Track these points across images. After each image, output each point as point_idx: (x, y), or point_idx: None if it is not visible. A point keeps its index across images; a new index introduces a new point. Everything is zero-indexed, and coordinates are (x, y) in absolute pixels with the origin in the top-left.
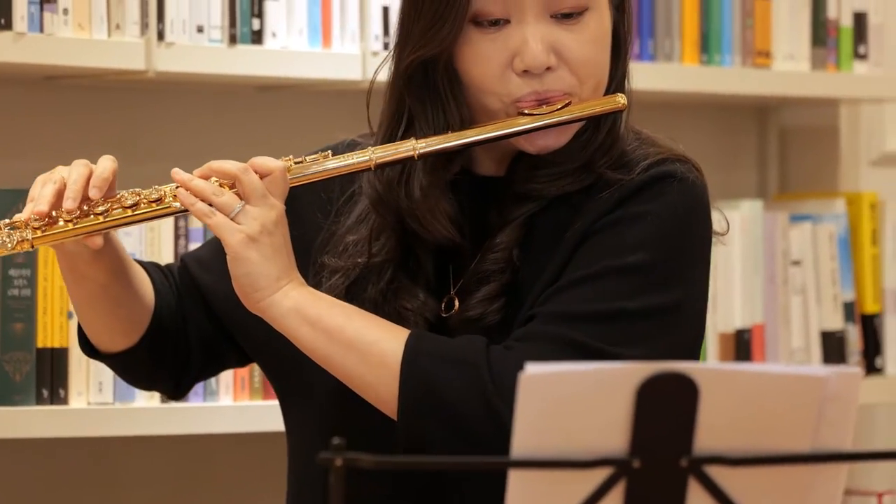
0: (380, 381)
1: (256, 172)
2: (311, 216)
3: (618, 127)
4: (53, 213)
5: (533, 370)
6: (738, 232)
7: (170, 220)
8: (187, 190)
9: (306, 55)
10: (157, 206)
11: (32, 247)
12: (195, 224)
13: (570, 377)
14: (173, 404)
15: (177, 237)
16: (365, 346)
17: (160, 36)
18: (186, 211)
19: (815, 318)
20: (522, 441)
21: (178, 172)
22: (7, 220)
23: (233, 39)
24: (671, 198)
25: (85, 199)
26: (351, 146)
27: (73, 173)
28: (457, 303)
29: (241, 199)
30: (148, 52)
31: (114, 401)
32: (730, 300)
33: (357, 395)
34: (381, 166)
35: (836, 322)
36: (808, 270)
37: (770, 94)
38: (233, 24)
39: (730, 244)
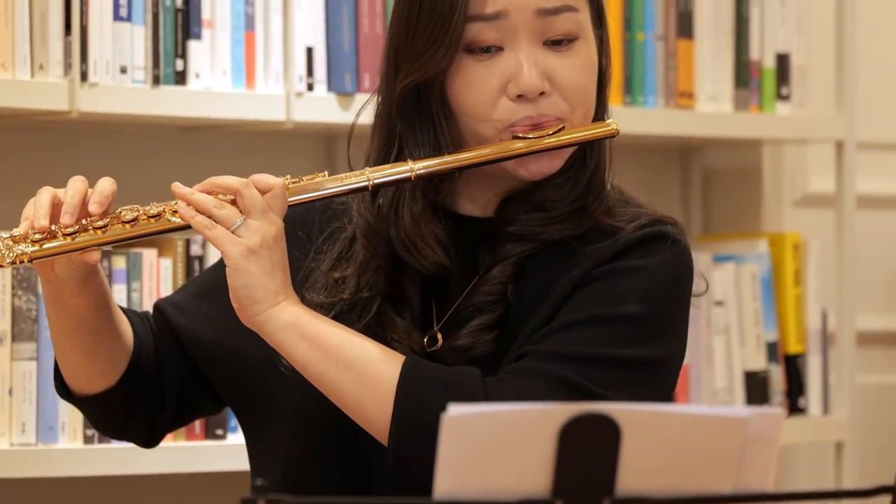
0: (373, 402)
1: (257, 188)
2: (289, 254)
3: (603, 167)
4: (53, 228)
5: (455, 411)
6: None
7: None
8: (188, 204)
9: (230, 96)
10: (156, 221)
11: (30, 261)
12: (118, 265)
13: (492, 418)
14: (97, 445)
15: None
16: (361, 366)
17: (83, 76)
18: (186, 227)
19: (739, 359)
20: (445, 482)
21: (178, 186)
22: (7, 234)
23: (156, 80)
24: (665, 257)
25: (83, 215)
26: (329, 201)
27: (70, 189)
28: (440, 338)
29: (241, 213)
30: (71, 92)
31: (36, 442)
32: None
33: (327, 442)
34: (379, 187)
35: (759, 362)
36: (732, 311)
37: (693, 135)
38: (156, 64)
39: None
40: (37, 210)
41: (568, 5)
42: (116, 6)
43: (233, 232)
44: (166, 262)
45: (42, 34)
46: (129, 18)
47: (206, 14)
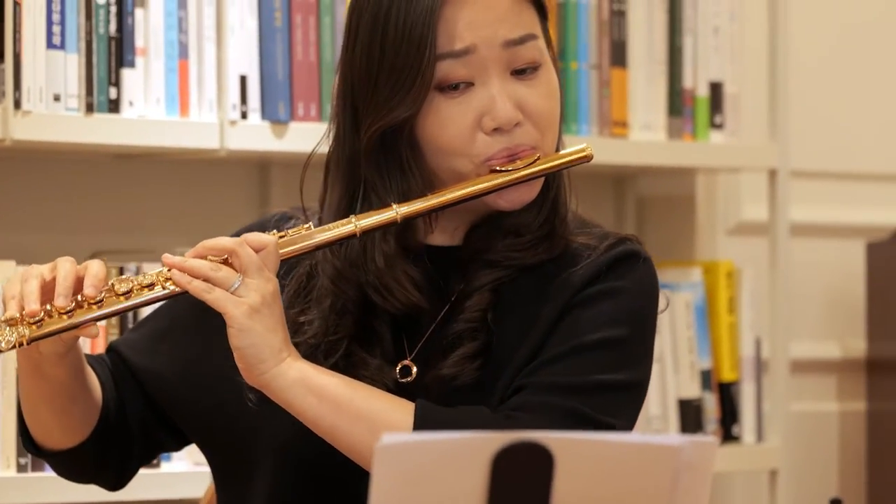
0: None
1: (250, 246)
2: None
3: (564, 188)
4: (47, 307)
5: (388, 440)
6: None
7: None
8: (182, 271)
9: (164, 124)
10: (150, 290)
11: (29, 343)
12: None
13: (425, 447)
14: (31, 474)
15: None
16: (373, 416)
17: (17, 104)
18: (181, 293)
19: (673, 386)
20: None
21: (168, 257)
22: (2, 318)
23: (90, 108)
24: (640, 275)
25: (76, 293)
26: (283, 219)
27: (61, 271)
28: (414, 369)
29: (237, 273)
30: (4, 120)
31: None
32: None
33: (302, 470)
34: (366, 232)
35: (693, 390)
36: (665, 338)
37: (627, 163)
38: (90, 92)
39: None
40: (27, 295)
41: (531, 33)
42: (50, 34)
43: (232, 293)
44: None
45: None
46: (62, 46)
47: (139, 42)
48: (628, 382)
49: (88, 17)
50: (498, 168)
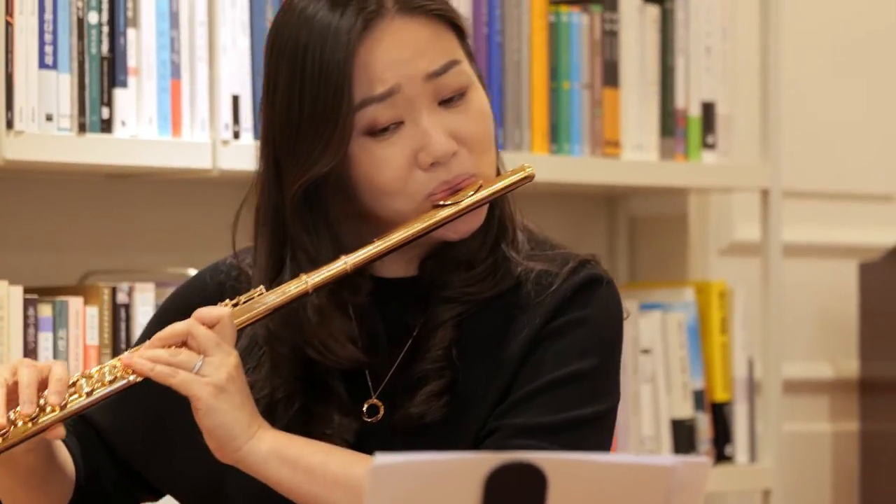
0: None
1: (203, 323)
2: None
3: (508, 206)
4: (12, 415)
5: (381, 460)
6: None
7: (20, 311)
8: (144, 360)
9: (156, 144)
10: (113, 383)
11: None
12: (44, 313)
13: (418, 468)
14: None
15: (26, 325)
16: (351, 482)
17: (9, 124)
18: (145, 381)
19: (665, 407)
20: None
21: (126, 357)
22: None
23: (82, 128)
24: (604, 301)
25: (39, 397)
26: (220, 273)
27: (23, 378)
28: (381, 408)
29: (198, 353)
30: None
31: None
32: None
33: None
34: (319, 288)
35: (685, 410)
36: (658, 359)
37: (619, 183)
38: (82, 112)
39: None
40: None
41: (452, 60)
42: (42, 54)
43: (195, 373)
44: (92, 311)
45: None
46: (54, 66)
47: (131, 62)
48: (601, 413)
49: (80, 37)
50: (441, 203)
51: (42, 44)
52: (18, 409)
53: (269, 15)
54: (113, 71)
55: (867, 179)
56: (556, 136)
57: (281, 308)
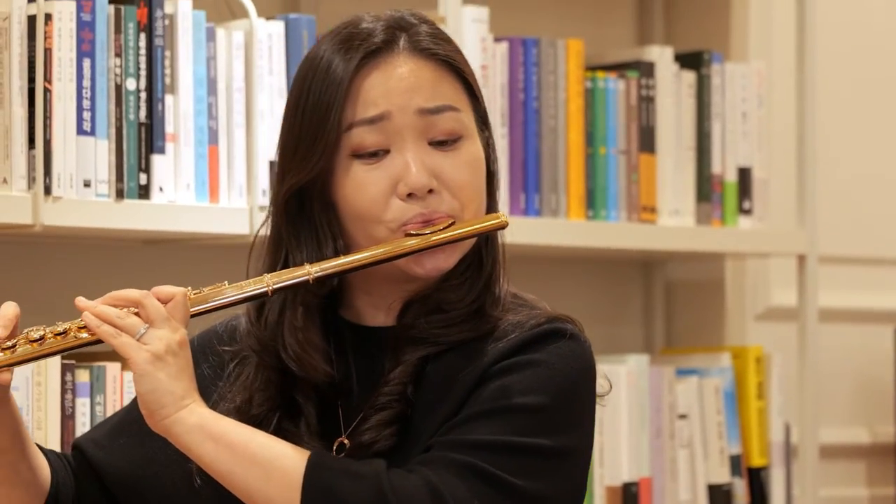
0: (281, 496)
1: (158, 299)
2: (205, 380)
3: (499, 268)
4: None
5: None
6: (625, 386)
7: (57, 376)
8: (92, 314)
9: (193, 209)
10: (63, 338)
11: None
12: (82, 379)
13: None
14: None
15: (63, 391)
16: (268, 461)
17: (47, 190)
18: (93, 342)
19: (702, 472)
20: None
21: (81, 300)
22: None
23: (120, 194)
24: (563, 351)
25: None
26: (234, 329)
27: None
28: (349, 446)
29: (144, 322)
30: (35, 206)
31: None
32: (617, 453)
33: None
34: (278, 291)
35: (722, 475)
36: (695, 424)
37: (655, 248)
38: (120, 178)
39: (616, 398)
40: None
41: (449, 105)
42: (80, 120)
43: (137, 340)
44: (130, 376)
45: (6, 148)
46: (92, 132)
47: (169, 128)
48: (543, 448)
49: (118, 103)
50: (412, 233)
51: (80, 110)
52: None
53: None
54: (151, 137)
55: None
56: (593, 202)
57: (238, 302)
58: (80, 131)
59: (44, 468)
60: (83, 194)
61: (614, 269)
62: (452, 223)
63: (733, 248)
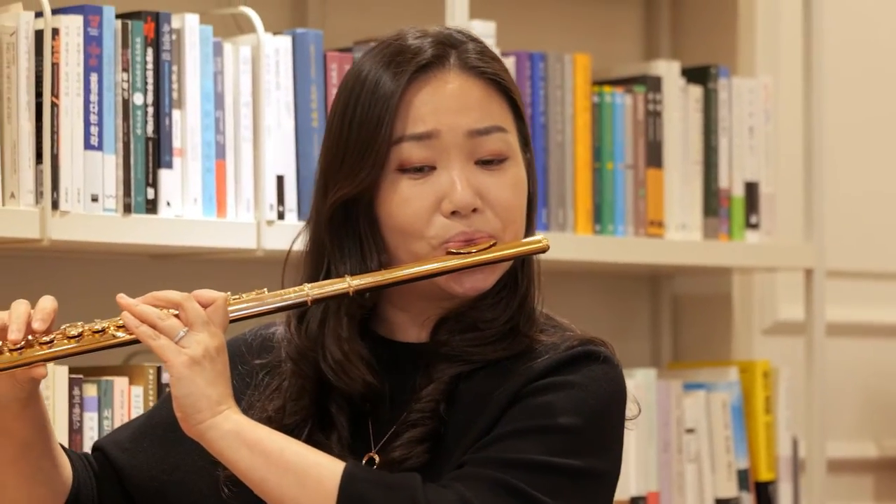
0: None
1: (199, 302)
2: (234, 389)
3: (534, 288)
4: None
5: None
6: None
7: (65, 391)
8: (132, 314)
9: (201, 224)
10: (101, 336)
11: None
12: (89, 393)
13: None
14: None
15: (71, 405)
16: (302, 470)
17: (55, 205)
18: (130, 342)
19: (710, 486)
20: None
21: (123, 297)
22: None
23: (127, 208)
24: (597, 374)
25: (28, 331)
26: (268, 338)
27: (14, 310)
28: (378, 461)
29: (184, 325)
30: (42, 220)
31: None
32: (624, 468)
33: None
34: (317, 302)
35: (730, 490)
36: (702, 438)
37: (663, 263)
38: (127, 193)
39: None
40: None
41: (497, 126)
42: (87, 135)
43: (176, 343)
44: (137, 390)
45: (13, 162)
46: (100, 147)
47: (176, 142)
48: (575, 469)
49: (125, 118)
50: (453, 251)
51: (88, 124)
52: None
53: (314, 96)
54: (158, 151)
55: None
56: (600, 217)
57: (277, 310)
58: (88, 146)
59: (66, 467)
60: (90, 209)
61: (621, 283)
62: (494, 244)
63: (740, 263)
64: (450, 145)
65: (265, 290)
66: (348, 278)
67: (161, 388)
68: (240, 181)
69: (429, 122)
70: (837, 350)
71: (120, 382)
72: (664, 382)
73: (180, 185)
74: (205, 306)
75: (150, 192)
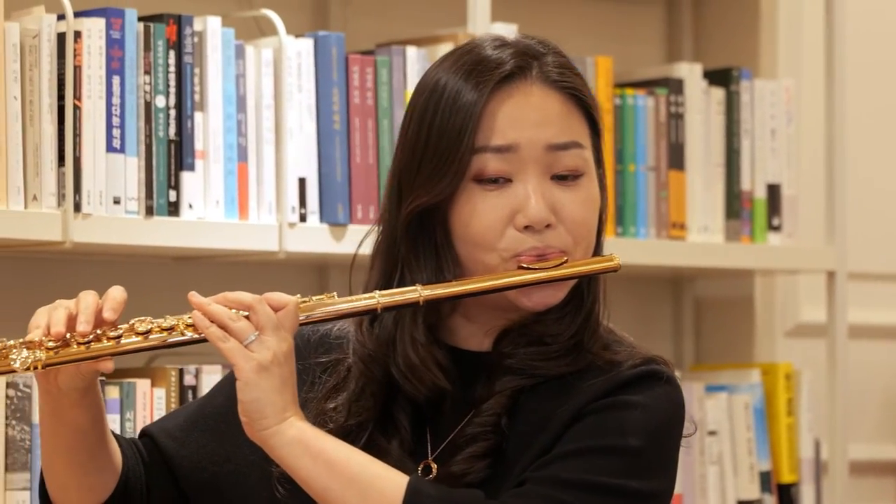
0: None
1: (270, 305)
2: None
3: (599, 304)
4: (67, 336)
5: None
6: None
7: None
8: (203, 314)
9: (223, 226)
10: (169, 334)
11: (44, 367)
12: (112, 395)
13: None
14: None
15: None
16: (366, 482)
17: (77, 207)
18: (197, 341)
19: (732, 488)
20: None
21: (195, 296)
22: (21, 340)
23: (149, 211)
24: (659, 394)
25: (98, 323)
26: (325, 335)
27: (83, 300)
28: (434, 469)
29: (254, 329)
30: (65, 223)
31: None
32: None
33: None
34: (387, 309)
35: (752, 492)
36: (725, 440)
37: (685, 265)
38: (149, 195)
39: None
40: (54, 318)
41: (576, 142)
42: (110, 137)
43: (245, 346)
44: (160, 392)
45: (35, 165)
46: (122, 149)
47: (199, 145)
48: (633, 491)
49: (148, 120)
50: (525, 265)
51: (110, 127)
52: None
53: (335, 99)
54: (180, 154)
55: None
56: (622, 219)
57: (346, 316)
58: (110, 148)
59: (117, 454)
60: (113, 211)
61: (644, 285)
62: (566, 260)
63: (762, 265)
64: (528, 159)
65: (335, 294)
66: (419, 287)
67: (183, 391)
68: (262, 183)
69: (508, 136)
70: (859, 352)
71: (142, 384)
72: (686, 385)
73: (202, 188)
74: (276, 309)
75: (172, 195)
